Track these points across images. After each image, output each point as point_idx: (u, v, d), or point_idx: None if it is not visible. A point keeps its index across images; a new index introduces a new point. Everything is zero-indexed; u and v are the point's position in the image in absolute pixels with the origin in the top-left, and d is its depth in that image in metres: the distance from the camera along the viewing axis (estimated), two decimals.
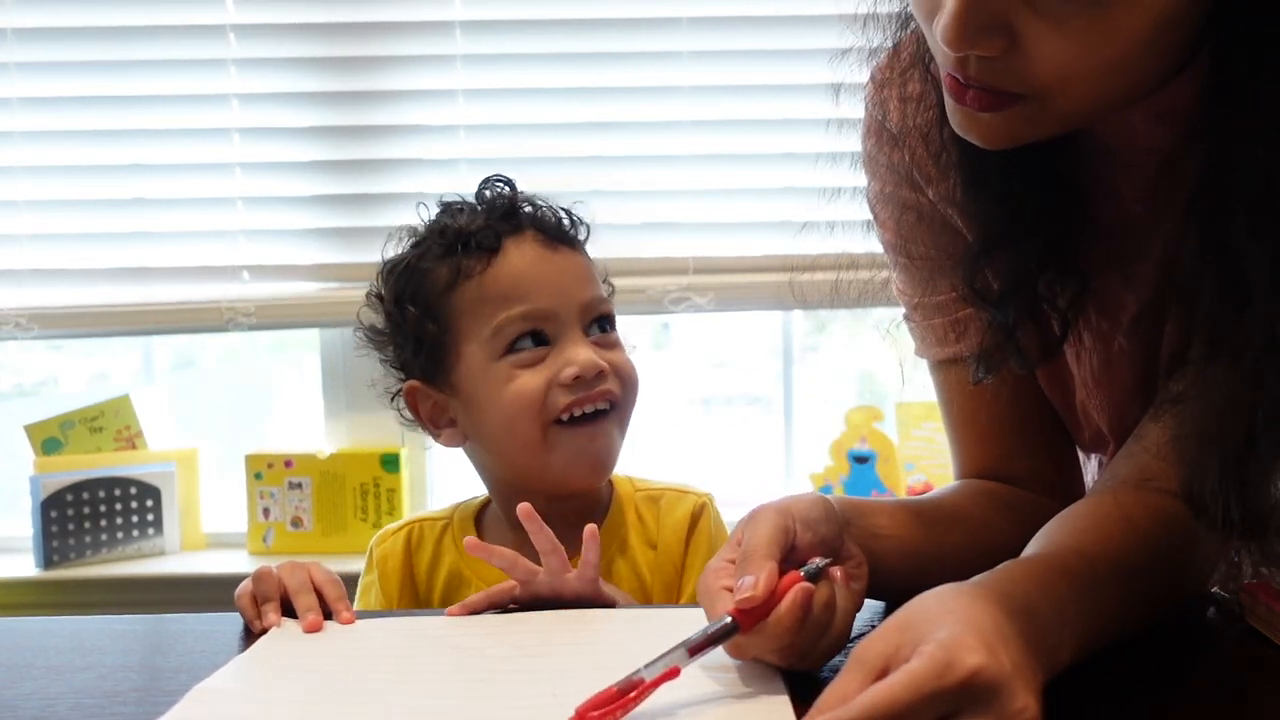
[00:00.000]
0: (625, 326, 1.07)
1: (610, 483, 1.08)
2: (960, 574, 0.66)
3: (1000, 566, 0.67)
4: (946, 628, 0.56)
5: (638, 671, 0.63)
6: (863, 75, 0.90)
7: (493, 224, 1.01)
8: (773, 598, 0.66)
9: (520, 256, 1.00)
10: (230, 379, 2.41)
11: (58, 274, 1.87)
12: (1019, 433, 0.93)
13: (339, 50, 1.83)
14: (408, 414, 1.06)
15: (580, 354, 0.98)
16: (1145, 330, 0.83)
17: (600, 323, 1.02)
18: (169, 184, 1.87)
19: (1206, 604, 0.82)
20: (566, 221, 1.04)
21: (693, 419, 2.62)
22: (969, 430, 0.95)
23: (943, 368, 0.94)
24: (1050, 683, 0.60)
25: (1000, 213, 0.80)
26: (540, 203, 1.05)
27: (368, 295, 1.07)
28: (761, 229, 1.85)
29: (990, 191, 0.80)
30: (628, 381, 1.02)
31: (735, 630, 0.66)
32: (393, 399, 1.06)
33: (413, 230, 1.05)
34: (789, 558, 0.69)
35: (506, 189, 1.05)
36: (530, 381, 0.98)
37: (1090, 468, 0.97)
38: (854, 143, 0.95)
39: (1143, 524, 0.73)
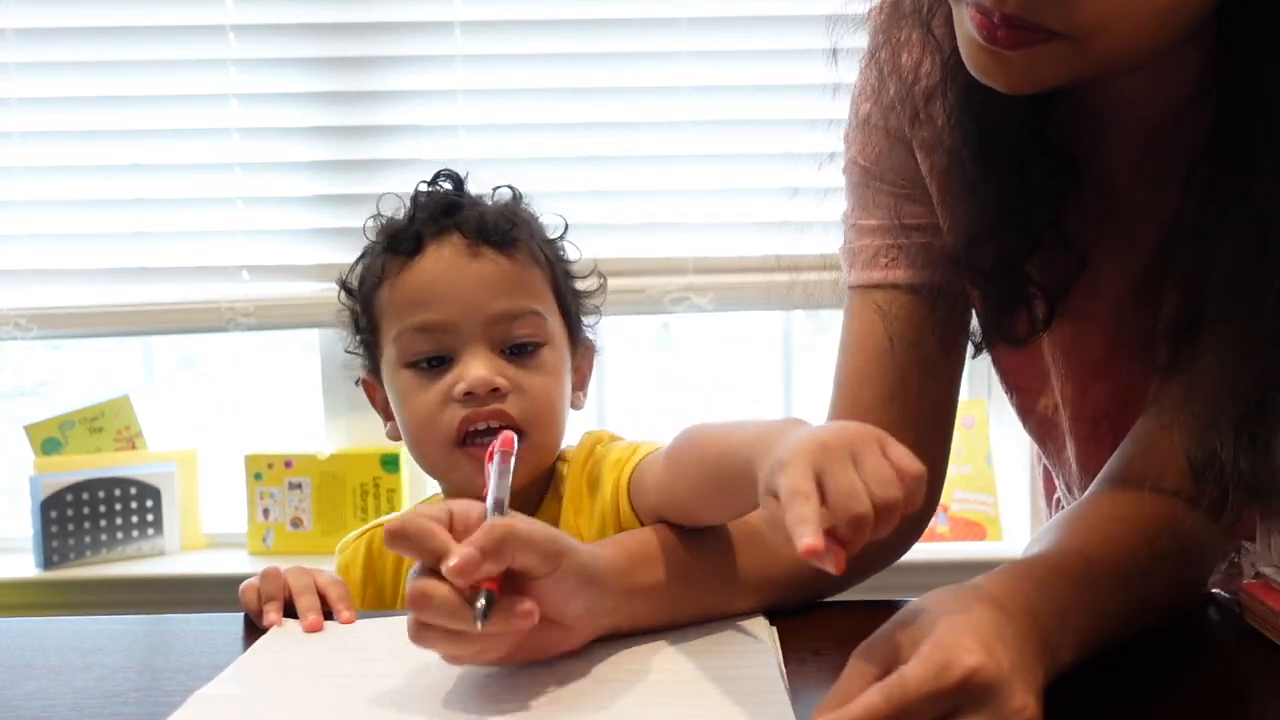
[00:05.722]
0: (624, 327, 1.03)
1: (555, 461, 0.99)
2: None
3: (999, 568, 0.67)
4: (944, 629, 0.57)
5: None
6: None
7: (418, 225, 0.95)
8: None
9: (436, 262, 0.93)
10: (230, 379, 2.41)
11: (58, 274, 1.87)
12: (904, 399, 0.87)
13: (339, 50, 1.83)
14: None
15: (472, 368, 0.91)
16: (1138, 306, 0.83)
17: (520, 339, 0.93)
18: (169, 184, 1.86)
19: (1206, 604, 0.83)
20: (505, 222, 0.95)
21: (693, 419, 2.61)
22: (859, 372, 0.89)
23: (865, 294, 0.89)
24: (1050, 683, 0.60)
25: (1010, 183, 0.79)
26: (478, 201, 0.98)
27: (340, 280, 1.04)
28: (761, 229, 1.84)
29: (1001, 161, 0.79)
30: (535, 405, 0.92)
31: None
32: (357, 383, 1.05)
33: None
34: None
35: (449, 185, 1.00)
36: (425, 398, 0.93)
37: (1072, 472, 0.96)
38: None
39: (1142, 524, 0.73)
